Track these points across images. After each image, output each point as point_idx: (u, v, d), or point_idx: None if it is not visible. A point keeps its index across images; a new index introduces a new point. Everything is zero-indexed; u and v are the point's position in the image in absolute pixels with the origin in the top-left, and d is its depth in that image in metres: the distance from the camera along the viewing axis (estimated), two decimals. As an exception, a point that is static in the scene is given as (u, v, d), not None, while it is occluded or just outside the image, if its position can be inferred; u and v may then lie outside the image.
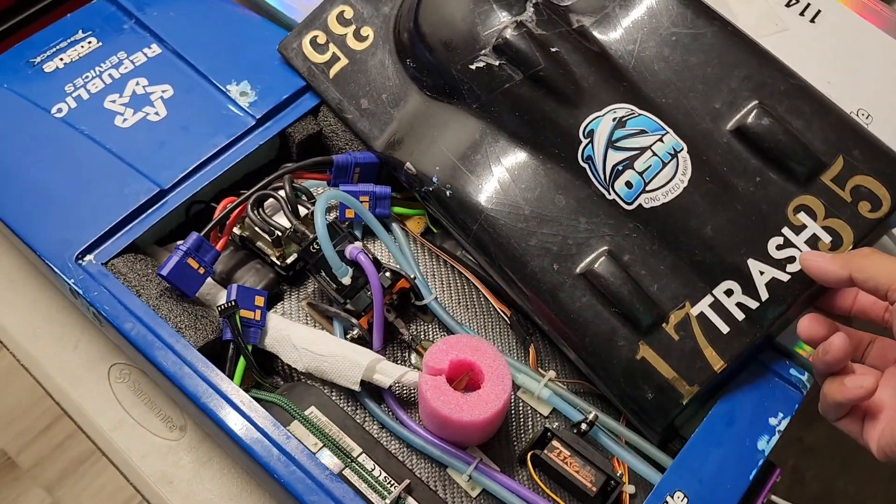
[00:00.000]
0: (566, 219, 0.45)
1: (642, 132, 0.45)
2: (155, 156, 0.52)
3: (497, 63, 0.47)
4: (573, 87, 0.46)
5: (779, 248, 0.43)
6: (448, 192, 0.47)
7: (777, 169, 0.44)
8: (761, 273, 0.43)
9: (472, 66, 0.48)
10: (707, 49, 0.46)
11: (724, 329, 0.42)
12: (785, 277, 0.42)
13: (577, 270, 0.44)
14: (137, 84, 0.55)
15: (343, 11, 0.54)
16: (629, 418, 0.45)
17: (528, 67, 0.47)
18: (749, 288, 0.43)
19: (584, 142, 0.46)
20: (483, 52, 0.47)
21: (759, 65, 0.46)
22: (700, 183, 0.44)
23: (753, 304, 0.42)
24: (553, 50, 0.46)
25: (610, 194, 0.45)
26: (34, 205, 0.50)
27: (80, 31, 0.59)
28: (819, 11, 0.57)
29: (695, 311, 0.43)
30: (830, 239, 0.42)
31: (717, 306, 0.43)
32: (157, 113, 0.54)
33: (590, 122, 0.46)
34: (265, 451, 0.41)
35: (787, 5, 0.57)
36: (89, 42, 0.58)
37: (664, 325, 0.43)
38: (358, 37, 0.53)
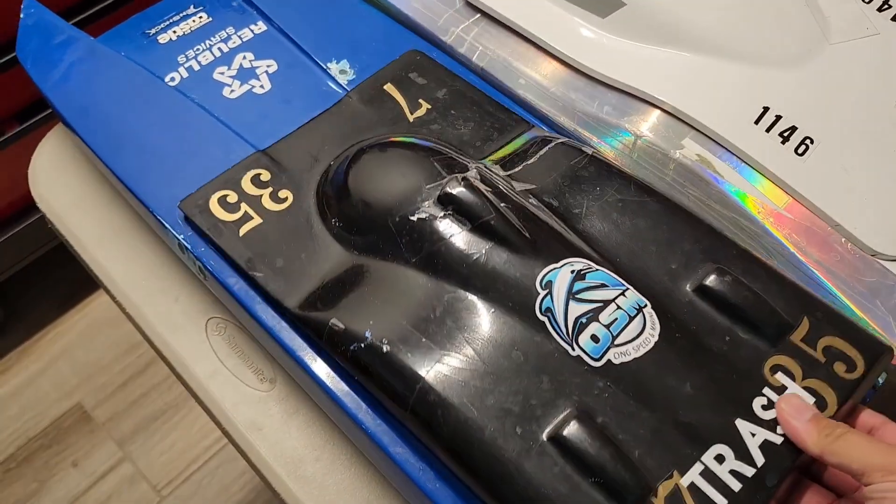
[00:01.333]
0: (527, 376, 0.41)
1: (603, 286, 0.43)
2: (259, 126, 0.55)
3: (441, 214, 0.45)
4: (525, 239, 0.44)
5: (764, 408, 0.40)
6: (385, 348, 0.42)
7: (746, 328, 0.42)
8: (752, 435, 0.39)
9: (413, 218, 0.45)
10: (654, 215, 0.46)
11: (722, 503, 0.38)
12: (778, 440, 0.39)
13: (546, 434, 0.39)
14: (244, 58, 0.59)
15: (260, 174, 0.51)
16: None
17: (475, 217, 0.44)
18: (741, 452, 0.39)
19: (542, 293, 0.43)
20: (425, 203, 0.45)
21: (707, 231, 0.46)
22: (671, 338, 0.42)
23: (749, 471, 0.38)
24: (502, 205, 0.45)
25: (574, 350, 0.41)
26: (148, 165, 0.53)
27: (192, 7, 0.63)
28: (912, 17, 0.57)
29: (685, 481, 0.38)
30: (814, 400, 0.40)
31: (708, 475, 0.38)
32: (261, 86, 0.57)
33: (547, 274, 0.43)
34: (354, 403, 0.44)
35: (880, 10, 0.57)
36: (200, 17, 0.62)
37: (653, 498, 0.38)
38: (275, 198, 0.50)
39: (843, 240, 0.49)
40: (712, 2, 0.54)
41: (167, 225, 0.51)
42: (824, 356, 0.41)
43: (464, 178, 0.46)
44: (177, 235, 0.50)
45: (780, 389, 0.41)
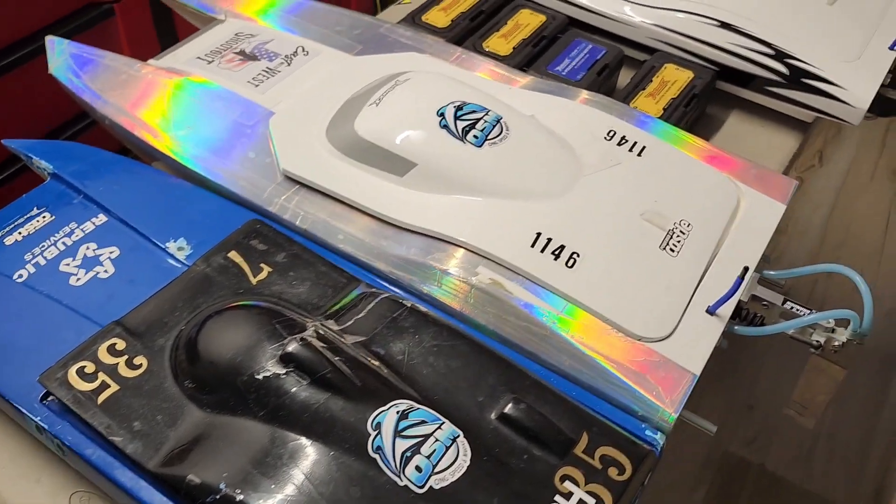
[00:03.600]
0: None
1: (423, 422, 0.52)
2: (106, 306, 0.61)
3: (284, 371, 0.52)
4: (357, 388, 0.52)
5: None
6: (238, 497, 0.48)
7: (539, 446, 0.52)
8: None
9: (259, 377, 0.52)
10: (464, 356, 0.56)
11: None
12: None
13: None
14: (88, 248, 0.65)
15: (115, 344, 0.56)
16: None
17: (314, 373, 0.52)
18: None
19: (373, 433, 0.51)
20: (269, 363, 0.53)
21: (507, 366, 0.57)
22: (480, 462, 0.51)
23: None
24: (336, 359, 0.53)
25: (402, 480, 0.49)
26: (1, 356, 0.58)
27: (35, 208, 0.69)
28: (644, 147, 0.72)
29: None
30: (595, 501, 0.50)
31: None
32: (106, 271, 0.64)
33: (376, 416, 0.52)
34: (217, 544, 0.49)
35: (619, 144, 0.72)
36: (44, 217, 0.68)
37: None
38: (131, 365, 0.55)
39: (615, 330, 0.59)
40: (485, 155, 0.66)
41: (23, 410, 0.54)
42: (601, 463, 0.52)
43: (302, 339, 0.54)
44: (34, 418, 0.54)
45: (569, 495, 0.51)
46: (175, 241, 0.66)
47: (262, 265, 0.63)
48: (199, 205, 0.70)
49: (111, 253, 0.65)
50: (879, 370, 1.50)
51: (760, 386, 1.37)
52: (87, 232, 0.67)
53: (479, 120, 0.68)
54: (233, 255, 0.64)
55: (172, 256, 0.65)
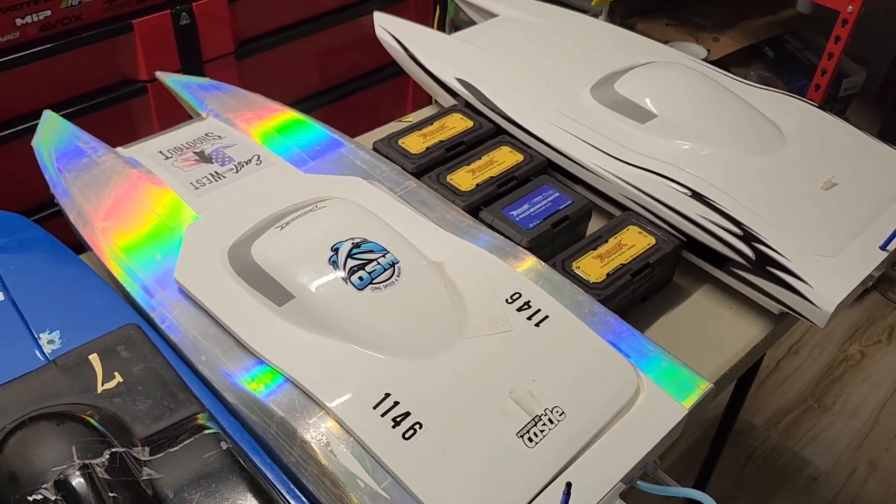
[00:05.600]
0: None
1: None
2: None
3: (54, 498, 0.50)
4: None
5: None
6: None
7: None
8: None
9: (30, 498, 0.51)
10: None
11: None
12: None
13: None
14: (-34, 329, 0.67)
15: None
16: None
17: None
18: None
19: None
20: (45, 485, 0.51)
21: None
22: None
23: None
24: (111, 494, 0.51)
25: None
26: None
27: (-52, 275, 0.72)
28: (546, 318, 0.67)
29: None
30: None
31: None
32: (-30, 355, 0.65)
33: None
34: None
35: (519, 310, 0.67)
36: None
37: None
38: None
39: (430, 521, 0.54)
40: (362, 299, 0.64)
41: None
42: None
43: (85, 466, 0.52)
44: None
45: None
46: (49, 333, 0.66)
47: (115, 374, 0.62)
48: (94, 300, 0.70)
49: (-13, 336, 0.66)
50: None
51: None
52: (-23, 311, 0.68)
53: (371, 261, 0.66)
54: (93, 358, 0.63)
55: (40, 349, 0.65)
